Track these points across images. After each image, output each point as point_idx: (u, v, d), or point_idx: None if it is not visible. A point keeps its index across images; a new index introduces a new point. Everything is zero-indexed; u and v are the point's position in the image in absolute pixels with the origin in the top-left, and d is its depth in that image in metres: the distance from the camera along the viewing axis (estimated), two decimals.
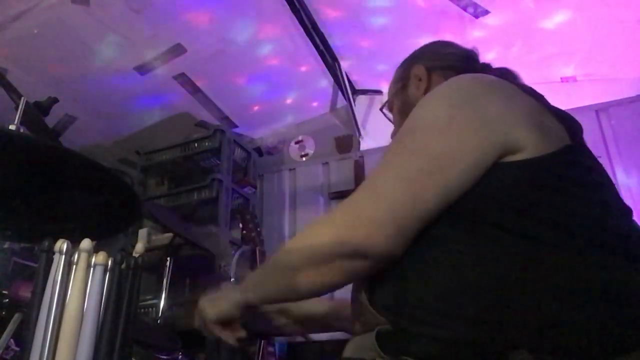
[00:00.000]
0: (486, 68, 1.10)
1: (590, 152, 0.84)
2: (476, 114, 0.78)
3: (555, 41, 2.78)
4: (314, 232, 0.83)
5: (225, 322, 0.96)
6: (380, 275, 0.80)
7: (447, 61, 1.09)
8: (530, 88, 0.86)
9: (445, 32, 2.84)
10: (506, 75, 1.01)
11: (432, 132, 0.79)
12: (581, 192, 0.76)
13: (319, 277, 0.81)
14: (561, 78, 3.01)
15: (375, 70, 3.34)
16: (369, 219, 0.75)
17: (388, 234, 0.74)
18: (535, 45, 2.84)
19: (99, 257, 0.84)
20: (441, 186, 0.74)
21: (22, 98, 1.39)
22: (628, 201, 0.84)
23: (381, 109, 1.22)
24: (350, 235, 0.76)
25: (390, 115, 1.19)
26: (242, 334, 0.97)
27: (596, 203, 0.77)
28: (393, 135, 1.16)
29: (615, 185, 0.85)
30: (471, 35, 2.81)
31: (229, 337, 0.96)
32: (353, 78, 3.48)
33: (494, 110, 0.78)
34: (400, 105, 1.12)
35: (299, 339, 2.94)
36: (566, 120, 0.82)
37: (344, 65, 3.29)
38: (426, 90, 1.06)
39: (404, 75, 1.13)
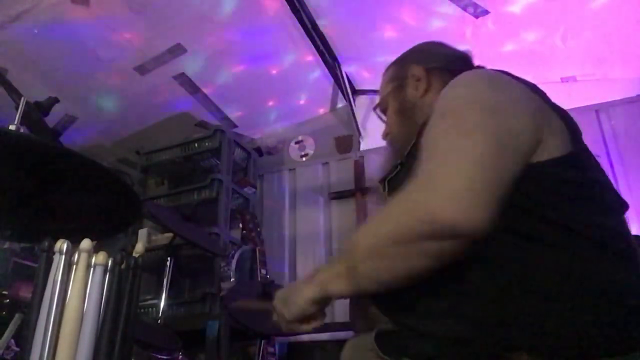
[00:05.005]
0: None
1: (588, 149, 0.85)
2: (513, 107, 0.78)
3: (556, 41, 2.78)
4: (394, 211, 0.75)
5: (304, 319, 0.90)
6: None
7: (444, 62, 1.07)
8: (534, 85, 0.86)
9: (445, 32, 2.83)
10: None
11: (485, 115, 0.76)
12: (579, 192, 0.76)
13: (402, 262, 0.72)
14: (561, 78, 3.01)
15: (375, 70, 3.34)
16: (458, 192, 0.68)
17: (481, 207, 0.67)
18: (535, 45, 2.84)
19: (99, 257, 0.85)
20: (517, 163, 0.73)
21: (22, 98, 1.39)
22: (628, 202, 0.84)
23: (374, 109, 1.20)
24: (438, 211, 0.67)
25: (383, 116, 1.17)
26: (320, 322, 0.91)
27: (596, 203, 0.77)
28: (385, 136, 1.14)
29: (613, 183, 0.86)
30: (471, 35, 2.81)
31: (308, 328, 0.90)
32: (353, 78, 3.48)
33: (522, 107, 0.79)
34: (398, 105, 1.09)
35: (299, 338, 2.94)
36: (566, 118, 0.83)
37: (344, 65, 3.29)
38: (426, 91, 1.05)
39: (399, 75, 1.11)
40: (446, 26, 2.80)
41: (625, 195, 2.77)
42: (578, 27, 2.69)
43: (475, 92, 0.81)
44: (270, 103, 3.57)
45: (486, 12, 2.68)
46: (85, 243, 0.84)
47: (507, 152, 0.72)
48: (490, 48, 2.87)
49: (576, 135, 0.82)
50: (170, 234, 2.43)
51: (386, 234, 0.73)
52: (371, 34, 3.00)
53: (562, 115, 0.83)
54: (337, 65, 3.24)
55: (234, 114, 3.56)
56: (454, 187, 0.68)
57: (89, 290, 0.82)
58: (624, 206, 0.83)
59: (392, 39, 2.94)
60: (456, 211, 0.66)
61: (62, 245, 0.82)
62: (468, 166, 0.69)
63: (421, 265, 0.72)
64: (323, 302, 0.85)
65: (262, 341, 2.16)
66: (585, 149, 0.84)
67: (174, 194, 3.21)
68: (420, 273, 0.72)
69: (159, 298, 2.23)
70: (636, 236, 0.81)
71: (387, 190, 0.96)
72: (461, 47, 1.14)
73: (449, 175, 0.70)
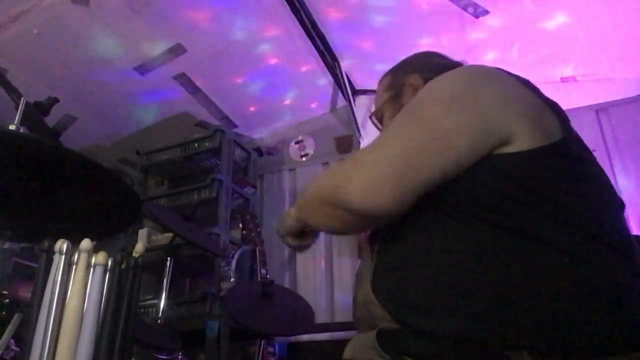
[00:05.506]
0: None
1: (583, 144, 0.85)
2: (479, 99, 0.80)
3: (555, 41, 2.78)
4: (325, 175, 0.89)
5: (297, 234, 1.05)
6: (383, 265, 0.80)
7: (440, 71, 1.09)
8: (528, 81, 0.87)
9: (445, 33, 2.84)
10: None
11: (440, 107, 0.81)
12: (576, 186, 0.77)
13: (316, 216, 0.89)
14: (561, 78, 3.01)
15: (375, 70, 3.34)
16: (364, 176, 0.77)
17: (381, 193, 0.75)
18: (535, 45, 2.84)
19: (99, 257, 0.85)
20: (443, 158, 0.76)
21: (22, 98, 1.39)
22: (627, 202, 0.84)
23: (370, 118, 1.21)
24: (343, 186, 0.78)
25: (379, 124, 1.18)
26: (307, 242, 1.07)
27: (591, 197, 0.78)
28: None
29: (612, 181, 0.86)
30: (471, 36, 2.81)
31: (295, 243, 1.07)
32: (353, 78, 3.48)
33: (494, 99, 0.80)
34: (395, 113, 1.08)
35: (299, 339, 2.94)
36: (559, 113, 0.84)
37: (344, 65, 3.29)
38: None
39: (395, 84, 1.12)
40: (446, 25, 2.80)
41: (625, 195, 2.78)
42: (577, 26, 2.69)
43: (442, 89, 0.85)
44: (270, 103, 3.56)
45: (486, 12, 2.68)
46: (85, 243, 0.84)
47: (440, 148, 0.77)
48: (489, 50, 2.87)
49: (569, 131, 0.82)
50: (170, 234, 2.42)
51: (314, 191, 0.89)
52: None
53: (557, 111, 0.84)
54: (337, 65, 3.24)
55: (234, 113, 3.56)
56: (364, 170, 0.78)
57: (89, 290, 0.82)
58: (620, 203, 0.83)
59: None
60: (355, 192, 0.76)
61: (62, 245, 0.82)
62: (387, 155, 0.78)
63: (333, 225, 0.86)
64: (303, 220, 0.98)
65: (262, 341, 2.16)
66: (577, 141, 0.84)
67: (174, 194, 3.21)
68: (336, 230, 0.90)
69: (159, 298, 2.23)
70: (636, 236, 0.81)
71: None
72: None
73: (367, 159, 0.80)
